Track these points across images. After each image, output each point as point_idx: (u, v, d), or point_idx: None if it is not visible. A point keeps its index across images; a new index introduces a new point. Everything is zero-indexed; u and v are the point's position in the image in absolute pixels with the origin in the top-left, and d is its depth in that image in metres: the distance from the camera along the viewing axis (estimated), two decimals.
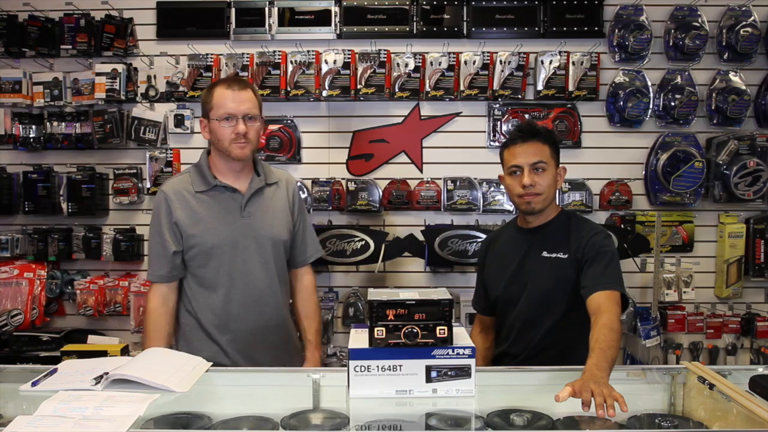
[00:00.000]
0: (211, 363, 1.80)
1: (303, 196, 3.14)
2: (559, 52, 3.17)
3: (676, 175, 3.12)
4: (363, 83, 3.17)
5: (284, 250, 2.16)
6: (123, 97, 3.21)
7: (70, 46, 3.20)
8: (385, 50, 3.17)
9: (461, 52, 3.19)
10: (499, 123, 3.22)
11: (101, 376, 1.56)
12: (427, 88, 3.20)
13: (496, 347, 2.18)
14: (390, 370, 1.52)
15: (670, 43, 3.18)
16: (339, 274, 3.28)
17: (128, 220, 3.32)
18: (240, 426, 1.41)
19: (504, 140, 2.29)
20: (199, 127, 2.14)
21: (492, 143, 3.24)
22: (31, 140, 3.23)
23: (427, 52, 3.20)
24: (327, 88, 3.18)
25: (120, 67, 3.20)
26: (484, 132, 3.26)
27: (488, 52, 3.18)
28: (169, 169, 3.26)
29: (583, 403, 1.36)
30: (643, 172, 3.24)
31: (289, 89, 3.17)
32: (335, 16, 3.20)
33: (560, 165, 2.08)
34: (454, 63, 3.18)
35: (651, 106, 3.19)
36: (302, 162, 3.26)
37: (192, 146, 3.30)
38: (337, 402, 1.57)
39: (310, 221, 2.31)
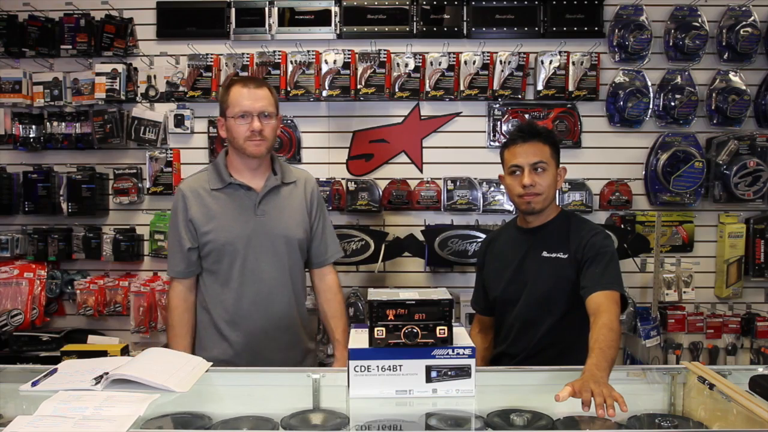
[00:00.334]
0: (211, 363, 1.80)
1: None
2: (559, 52, 3.17)
3: (676, 175, 3.12)
4: (363, 83, 3.17)
5: (299, 249, 2.16)
6: (123, 97, 3.21)
7: (70, 46, 3.21)
8: (385, 50, 3.17)
9: (461, 52, 3.19)
10: (499, 123, 3.22)
11: (101, 376, 1.56)
12: (427, 88, 3.20)
13: (496, 347, 2.18)
14: (390, 370, 1.52)
15: (670, 43, 3.19)
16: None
17: (128, 220, 3.32)
18: (240, 426, 1.41)
19: (504, 140, 2.29)
20: (217, 126, 2.16)
21: (492, 143, 3.24)
22: (31, 140, 3.23)
23: (427, 52, 3.20)
24: (327, 88, 3.18)
25: (120, 67, 3.20)
26: (484, 132, 3.26)
27: (488, 52, 3.18)
28: (169, 169, 3.26)
29: (583, 403, 1.36)
30: (643, 172, 3.24)
31: (289, 89, 3.17)
32: (335, 16, 3.20)
33: (560, 165, 2.08)
34: (454, 63, 3.18)
35: (651, 106, 3.19)
36: (302, 162, 3.26)
37: (192, 146, 3.30)
38: (337, 402, 1.57)
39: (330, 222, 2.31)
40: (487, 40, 3.21)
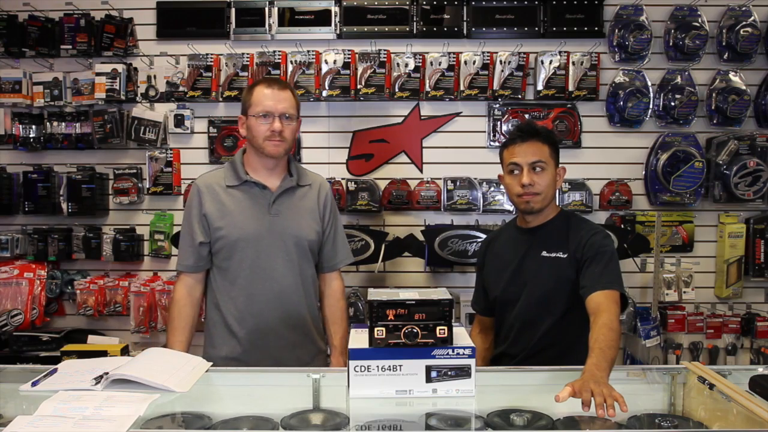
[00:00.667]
0: (211, 363, 1.80)
1: None
2: (559, 52, 3.17)
3: (676, 175, 3.12)
4: (363, 83, 3.17)
5: (310, 251, 2.17)
6: (123, 97, 3.21)
7: (70, 46, 3.21)
8: (385, 50, 3.17)
9: (461, 52, 3.19)
10: (499, 123, 3.22)
11: (101, 376, 1.56)
12: (427, 88, 3.20)
13: (496, 347, 2.18)
14: (390, 370, 1.52)
15: (670, 43, 3.19)
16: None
17: (128, 220, 3.32)
18: (240, 426, 1.41)
19: (504, 140, 2.29)
20: (238, 124, 2.18)
21: (492, 143, 3.24)
22: (31, 140, 3.23)
23: (427, 52, 3.20)
24: (327, 88, 3.18)
25: (120, 67, 3.20)
26: (484, 132, 3.26)
27: (488, 52, 3.18)
28: (169, 169, 3.26)
29: (583, 403, 1.36)
30: (643, 172, 3.24)
31: None
32: (335, 16, 3.21)
33: (560, 165, 2.08)
34: (454, 63, 3.18)
35: (651, 106, 3.19)
36: (302, 162, 3.26)
37: (192, 146, 3.30)
38: (337, 402, 1.57)
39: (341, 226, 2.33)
40: (487, 40, 3.21)
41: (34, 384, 1.57)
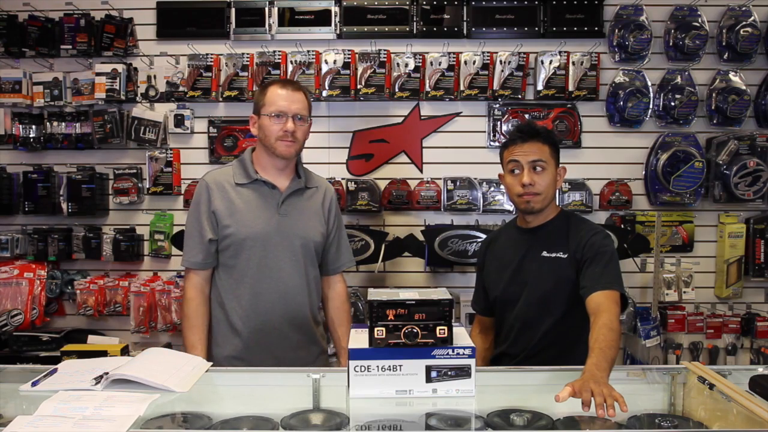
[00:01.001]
0: (211, 363, 1.80)
1: None
2: (559, 52, 3.17)
3: (676, 175, 3.12)
4: (363, 83, 3.17)
5: (315, 252, 2.18)
6: (123, 97, 3.21)
7: (70, 46, 3.21)
8: (385, 50, 3.17)
9: (461, 52, 3.19)
10: (499, 123, 3.22)
11: (101, 376, 1.56)
12: (427, 88, 3.20)
13: (496, 347, 2.18)
14: (390, 370, 1.52)
15: (670, 43, 3.19)
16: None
17: (128, 220, 3.32)
18: (240, 426, 1.40)
19: (504, 140, 2.29)
20: (249, 123, 2.18)
21: (492, 143, 3.24)
22: (31, 140, 3.23)
23: (427, 52, 3.20)
24: (327, 88, 3.18)
25: (120, 67, 3.20)
26: (484, 132, 3.26)
27: (488, 52, 3.18)
28: (169, 169, 3.26)
29: (583, 403, 1.36)
30: (643, 172, 3.24)
31: None
32: (335, 16, 3.21)
33: (560, 165, 2.08)
34: (454, 63, 3.18)
35: (651, 106, 3.19)
36: (302, 162, 3.24)
37: (192, 146, 3.30)
38: (337, 402, 1.57)
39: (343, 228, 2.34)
40: (487, 40, 3.21)
41: (34, 384, 1.58)
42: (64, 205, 3.24)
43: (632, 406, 1.37)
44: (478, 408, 1.51)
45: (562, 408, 1.41)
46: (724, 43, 3.19)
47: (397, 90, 3.19)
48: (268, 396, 1.74)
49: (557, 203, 2.19)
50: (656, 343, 3.11)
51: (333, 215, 2.25)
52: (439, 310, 1.54)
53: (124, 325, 3.26)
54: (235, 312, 2.10)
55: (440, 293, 1.59)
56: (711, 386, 1.56)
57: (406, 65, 3.19)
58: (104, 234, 3.26)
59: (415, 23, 3.21)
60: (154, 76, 3.27)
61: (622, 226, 3.17)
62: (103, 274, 3.31)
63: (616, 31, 3.18)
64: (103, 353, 1.99)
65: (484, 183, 3.23)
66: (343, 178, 3.26)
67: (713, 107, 3.20)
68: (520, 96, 3.19)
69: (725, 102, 3.14)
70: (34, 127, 3.23)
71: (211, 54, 3.22)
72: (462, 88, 3.19)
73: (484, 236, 3.07)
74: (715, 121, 3.22)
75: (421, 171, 3.28)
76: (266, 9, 3.22)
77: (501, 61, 3.17)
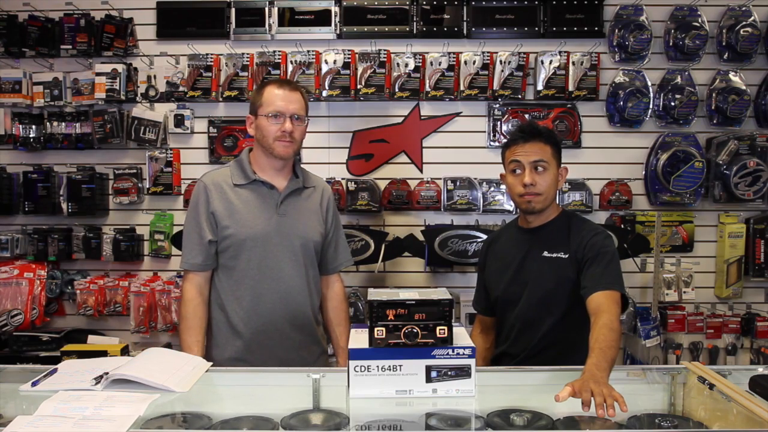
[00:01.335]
0: (211, 363, 1.80)
1: None
2: (559, 52, 3.17)
3: (676, 175, 3.12)
4: (363, 83, 3.17)
5: (314, 252, 2.17)
6: (123, 97, 3.22)
7: (70, 46, 3.21)
8: (385, 50, 3.17)
9: (461, 52, 3.19)
10: (499, 123, 3.22)
11: (101, 376, 1.56)
12: (427, 88, 3.20)
13: (497, 347, 2.18)
14: (390, 370, 1.52)
15: (670, 43, 3.19)
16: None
17: (128, 220, 3.32)
18: (240, 426, 1.41)
19: (505, 140, 2.29)
20: (246, 123, 2.17)
21: (492, 143, 3.24)
22: (31, 140, 3.23)
23: (427, 52, 3.20)
24: (327, 88, 3.18)
25: (120, 67, 3.20)
26: (484, 132, 3.26)
27: (488, 52, 3.18)
28: (169, 169, 3.26)
29: (583, 403, 1.36)
30: (643, 172, 3.24)
31: None
32: (335, 16, 3.21)
33: (562, 165, 2.08)
34: (454, 63, 3.18)
35: (651, 106, 3.19)
36: (302, 162, 3.25)
37: (192, 146, 3.30)
38: (337, 402, 1.57)
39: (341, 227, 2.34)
40: (487, 40, 3.21)
41: (34, 384, 1.58)
42: (64, 205, 3.24)
43: (632, 406, 1.37)
44: (478, 408, 1.51)
45: (562, 408, 1.41)
46: (724, 43, 3.19)
47: (397, 90, 3.19)
48: (268, 396, 1.74)
49: (557, 203, 2.19)
50: (656, 343, 3.11)
51: (331, 214, 2.25)
52: (439, 310, 1.54)
53: (124, 325, 3.26)
54: (235, 313, 2.09)
55: (440, 293, 1.59)
56: (711, 386, 1.56)
57: (406, 65, 3.19)
58: (104, 234, 3.26)
59: (415, 23, 3.21)
60: (154, 76, 3.27)
61: (622, 226, 3.17)
62: (103, 274, 3.31)
63: (616, 31, 3.18)
64: (103, 353, 1.99)
65: (484, 183, 3.23)
66: (343, 178, 3.26)
67: (713, 107, 3.20)
68: (520, 96, 3.19)
69: (725, 102, 3.14)
70: (34, 127, 3.23)
71: (211, 54, 3.22)
72: (462, 88, 3.19)
73: (484, 236, 3.08)
74: (715, 121, 3.22)
75: (421, 171, 3.28)
76: (266, 9, 3.22)
77: (501, 61, 3.17)
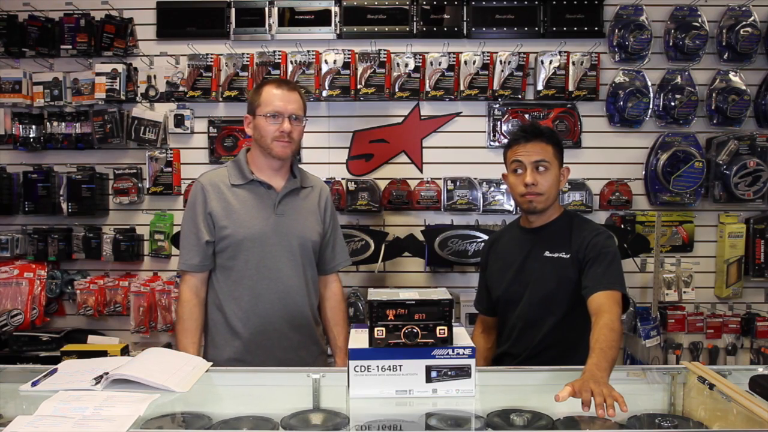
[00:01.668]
0: (211, 363, 1.80)
1: None
2: (559, 52, 3.17)
3: (676, 175, 3.12)
4: (363, 83, 3.17)
5: (313, 252, 2.17)
6: (123, 97, 3.22)
7: (70, 46, 3.21)
8: (385, 50, 3.17)
9: (461, 52, 3.19)
10: (499, 123, 3.22)
11: (101, 376, 1.56)
12: (427, 88, 3.20)
13: (498, 347, 2.18)
14: (390, 370, 1.52)
15: (670, 43, 3.19)
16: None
17: (128, 220, 3.32)
18: (240, 426, 1.40)
19: (507, 140, 2.28)
20: (244, 123, 2.16)
21: (492, 143, 3.24)
22: (31, 140, 3.23)
23: (427, 52, 3.20)
24: (327, 88, 3.18)
25: (120, 67, 3.20)
26: (484, 132, 3.26)
27: (488, 52, 3.18)
28: (169, 169, 3.26)
29: (583, 403, 1.35)
30: (643, 172, 3.24)
31: None
32: (335, 16, 3.21)
33: (563, 165, 2.08)
34: (454, 63, 3.18)
35: (651, 106, 3.19)
36: (302, 162, 3.25)
37: (192, 146, 3.30)
38: (337, 402, 1.57)
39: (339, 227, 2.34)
40: (487, 40, 3.21)
41: (34, 384, 1.58)
42: (64, 205, 3.24)
43: (632, 406, 1.37)
44: (478, 408, 1.51)
45: (562, 408, 1.41)
46: (724, 43, 3.19)
47: (397, 90, 3.19)
48: (268, 396, 1.74)
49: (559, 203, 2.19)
50: (656, 343, 3.11)
51: (329, 214, 2.24)
52: (439, 310, 1.54)
53: (124, 325, 3.26)
54: (234, 314, 2.09)
55: (440, 293, 1.59)
56: (711, 386, 1.56)
57: (406, 65, 3.19)
58: (104, 234, 3.26)
59: (415, 23, 3.21)
60: (154, 76, 3.27)
61: (622, 226, 3.17)
62: (103, 274, 3.31)
63: (616, 31, 3.18)
64: (103, 353, 1.99)
65: (484, 183, 3.23)
66: (343, 178, 3.26)
67: (713, 107, 3.20)
68: (520, 96, 3.19)
69: (725, 102, 3.14)
70: (34, 127, 3.23)
71: (211, 54, 3.22)
72: (462, 88, 3.19)
73: (484, 236, 3.08)
74: (715, 121, 3.22)
75: (421, 171, 3.28)
76: (266, 9, 3.22)
77: (501, 61, 3.17)
